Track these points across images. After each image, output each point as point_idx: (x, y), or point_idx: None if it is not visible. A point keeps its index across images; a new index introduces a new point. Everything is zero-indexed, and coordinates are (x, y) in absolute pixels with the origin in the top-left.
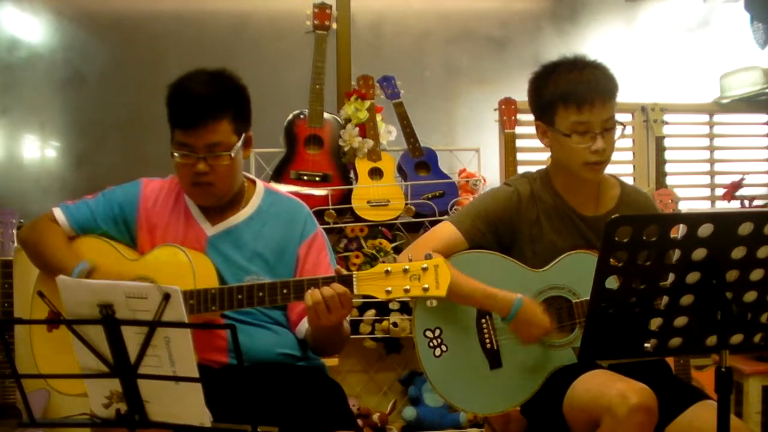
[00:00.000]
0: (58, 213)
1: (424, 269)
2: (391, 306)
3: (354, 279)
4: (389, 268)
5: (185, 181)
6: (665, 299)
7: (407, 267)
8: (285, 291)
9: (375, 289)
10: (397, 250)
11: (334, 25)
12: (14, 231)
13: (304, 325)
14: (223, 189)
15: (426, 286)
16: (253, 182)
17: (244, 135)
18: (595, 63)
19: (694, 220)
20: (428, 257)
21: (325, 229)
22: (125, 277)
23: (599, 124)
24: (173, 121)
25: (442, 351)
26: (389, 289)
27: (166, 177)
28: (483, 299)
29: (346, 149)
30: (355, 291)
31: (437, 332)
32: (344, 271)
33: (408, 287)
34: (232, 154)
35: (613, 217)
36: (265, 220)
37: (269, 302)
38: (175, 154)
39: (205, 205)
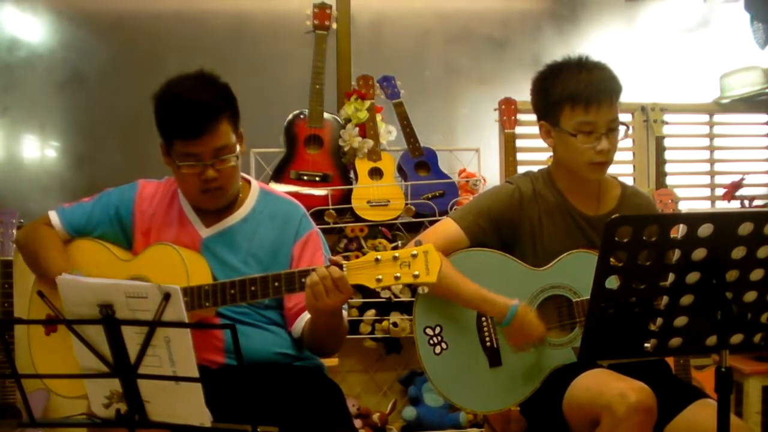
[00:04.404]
0: (53, 216)
1: (414, 256)
2: (390, 296)
3: (344, 269)
4: (379, 257)
5: (193, 189)
6: (665, 299)
7: (397, 254)
8: (276, 284)
9: (365, 278)
10: None
11: (334, 25)
12: (14, 231)
13: (299, 324)
14: (231, 190)
15: (416, 272)
16: (248, 182)
17: (237, 132)
18: (601, 64)
19: (694, 220)
20: (418, 244)
21: (325, 229)
22: (120, 278)
23: (605, 124)
24: (172, 133)
25: (442, 349)
26: (380, 277)
27: (162, 179)
28: (481, 303)
29: (346, 149)
30: None
31: (437, 330)
32: (338, 259)
33: (398, 274)
34: (238, 155)
35: (613, 216)
36: (260, 221)
37: (261, 295)
38: (180, 166)
39: (212, 209)
